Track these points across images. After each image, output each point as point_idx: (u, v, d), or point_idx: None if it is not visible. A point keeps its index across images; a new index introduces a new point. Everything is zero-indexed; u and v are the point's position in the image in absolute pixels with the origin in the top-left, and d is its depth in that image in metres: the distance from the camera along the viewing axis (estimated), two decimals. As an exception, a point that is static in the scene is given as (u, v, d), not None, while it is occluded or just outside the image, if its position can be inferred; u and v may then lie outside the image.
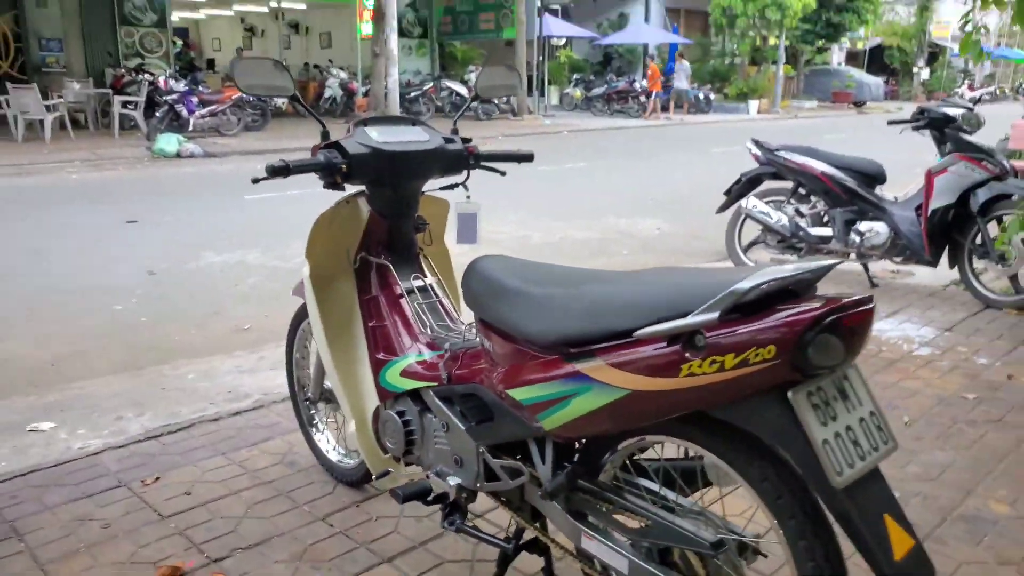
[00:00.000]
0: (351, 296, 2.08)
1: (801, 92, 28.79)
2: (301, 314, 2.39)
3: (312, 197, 2.43)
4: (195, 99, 13.99)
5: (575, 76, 24.43)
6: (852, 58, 35.74)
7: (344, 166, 1.85)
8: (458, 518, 1.83)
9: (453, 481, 1.78)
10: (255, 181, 1.86)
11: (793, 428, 1.20)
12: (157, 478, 2.56)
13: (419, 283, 2.03)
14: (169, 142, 11.78)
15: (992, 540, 2.17)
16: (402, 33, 19.34)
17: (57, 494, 2.47)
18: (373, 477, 2.07)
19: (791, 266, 1.24)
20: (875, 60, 35.41)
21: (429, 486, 1.83)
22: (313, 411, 2.54)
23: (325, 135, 1.95)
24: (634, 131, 18.29)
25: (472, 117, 18.45)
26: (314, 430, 2.54)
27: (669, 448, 1.49)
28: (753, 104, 23.67)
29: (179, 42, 20.96)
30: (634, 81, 22.78)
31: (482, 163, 2.12)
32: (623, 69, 26.13)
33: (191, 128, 13.42)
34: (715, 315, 1.20)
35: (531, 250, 6.30)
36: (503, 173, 2.21)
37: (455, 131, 2.10)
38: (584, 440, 1.57)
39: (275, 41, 25.65)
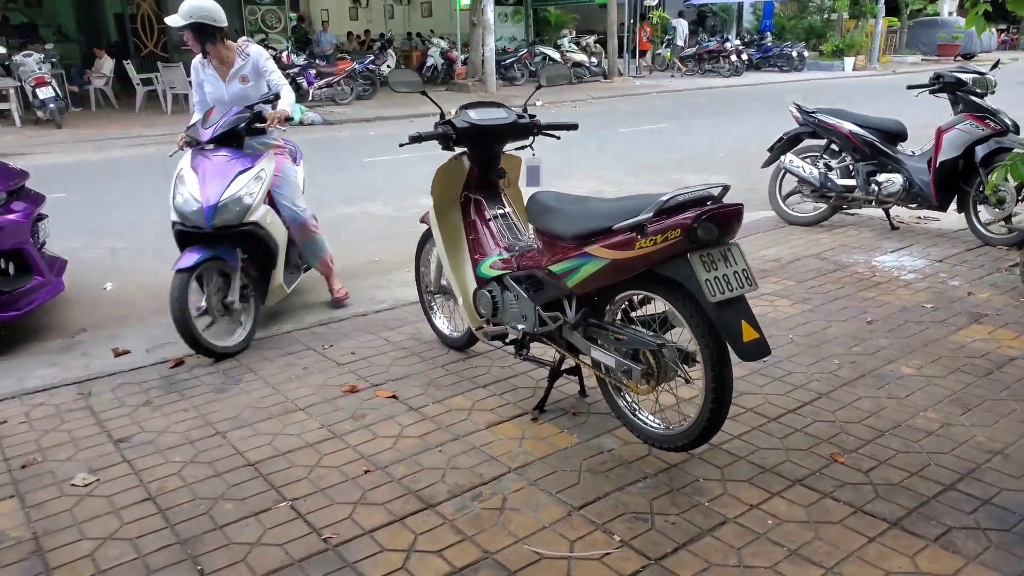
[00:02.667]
0: (458, 220, 3.27)
1: (904, 46, 28.14)
2: (425, 236, 3.60)
3: (420, 160, 3.63)
4: (313, 71, 15.55)
5: (666, 37, 24.88)
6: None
7: (454, 136, 3.03)
8: (525, 351, 3.04)
9: (520, 326, 2.96)
10: (402, 145, 3.04)
11: (691, 272, 2.30)
12: (331, 345, 3.86)
13: (500, 211, 3.19)
14: (293, 111, 13.30)
15: (890, 388, 3.17)
16: (498, 1, 20.32)
17: (269, 354, 3.80)
18: (473, 329, 3.28)
19: (697, 188, 2.33)
20: (995, 7, 33.74)
21: (506, 331, 3.02)
22: (432, 301, 3.78)
23: (442, 115, 3.12)
24: (721, 91, 18.79)
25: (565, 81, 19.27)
26: (433, 314, 3.78)
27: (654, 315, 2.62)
28: (849, 61, 23.55)
29: (295, 16, 22.66)
30: (726, 40, 23.08)
31: (543, 131, 3.25)
32: (716, 28, 26.31)
33: (310, 98, 14.99)
34: (650, 214, 2.31)
35: (605, 201, 7.38)
36: (558, 137, 3.33)
37: (525, 109, 3.23)
38: (593, 295, 2.70)
39: (379, 12, 27.12)
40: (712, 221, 2.26)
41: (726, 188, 2.36)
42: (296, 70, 15.18)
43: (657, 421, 2.70)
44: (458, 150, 3.18)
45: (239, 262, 3.86)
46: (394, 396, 3.24)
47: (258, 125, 4.04)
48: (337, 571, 2.15)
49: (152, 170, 7.90)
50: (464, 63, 19.73)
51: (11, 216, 4.19)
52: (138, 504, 2.52)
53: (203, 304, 3.84)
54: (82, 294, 5.11)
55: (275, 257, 4.02)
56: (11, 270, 4.18)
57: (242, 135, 4.01)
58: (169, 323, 3.67)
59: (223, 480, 2.64)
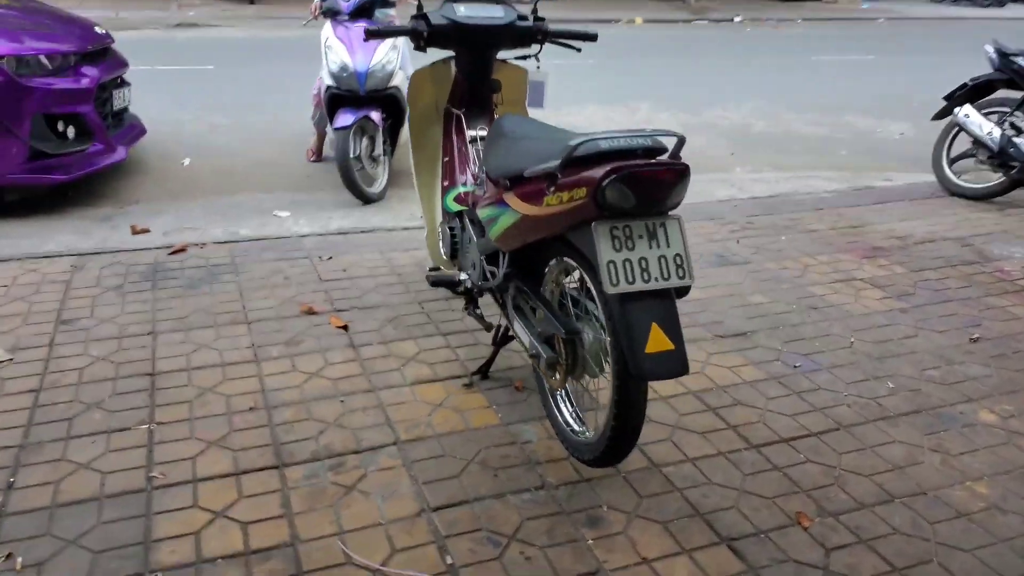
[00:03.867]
0: (437, 137, 2.77)
1: None
2: None
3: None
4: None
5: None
6: None
7: (426, 34, 2.50)
8: (472, 306, 2.55)
9: (464, 276, 2.47)
10: (367, 38, 2.55)
11: (593, 249, 1.70)
12: (330, 257, 3.56)
13: (483, 132, 2.66)
14: None
15: (944, 437, 2.38)
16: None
17: (268, 255, 3.56)
18: (427, 269, 2.82)
19: (637, 133, 1.70)
20: None
21: (454, 279, 2.54)
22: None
23: (419, 6, 2.59)
24: (972, 24, 16.08)
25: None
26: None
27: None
28: None
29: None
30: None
31: (552, 40, 2.63)
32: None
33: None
34: (557, 163, 1.72)
35: (746, 138, 6.45)
36: (578, 50, 2.71)
37: (534, 11, 2.63)
38: (525, 253, 2.15)
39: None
40: (629, 183, 1.64)
41: (681, 140, 1.71)
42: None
43: (576, 422, 2.16)
44: (444, 54, 2.66)
45: (382, 122, 4.37)
46: (344, 327, 2.89)
47: None
48: (129, 519, 1.87)
49: (305, 52, 7.87)
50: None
51: (74, 80, 4.19)
52: (20, 394, 2.38)
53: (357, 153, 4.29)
54: (160, 165, 5.17)
55: (404, 118, 4.33)
56: (70, 133, 4.21)
57: (375, 7, 4.51)
58: (207, 206, 3.93)
59: (113, 386, 2.45)
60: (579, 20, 12.70)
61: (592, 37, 2.65)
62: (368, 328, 2.89)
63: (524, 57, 2.70)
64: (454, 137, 2.70)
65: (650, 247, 1.70)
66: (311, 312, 3.00)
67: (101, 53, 4.56)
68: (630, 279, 1.67)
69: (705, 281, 3.41)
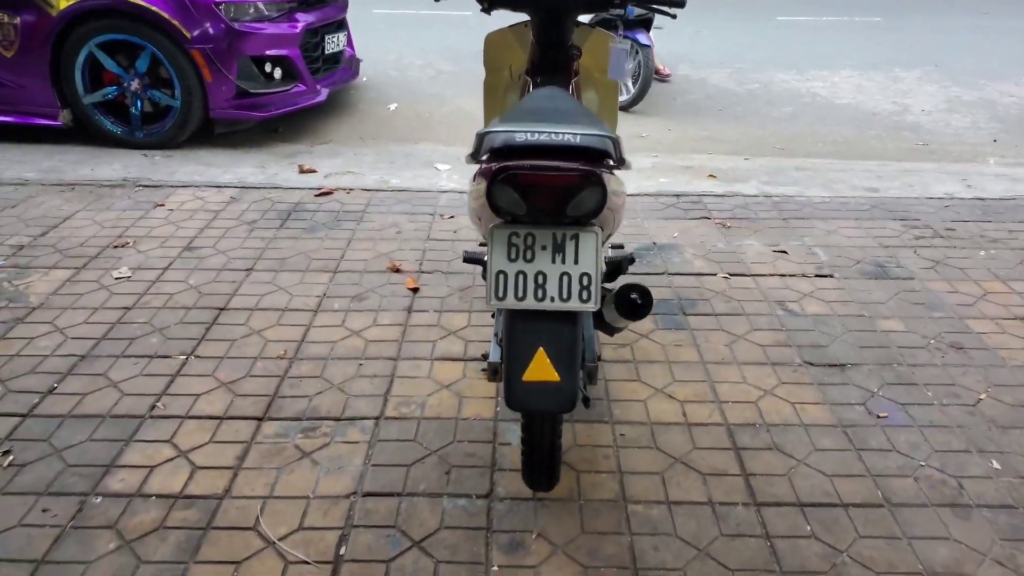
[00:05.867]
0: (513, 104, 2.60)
1: None
2: None
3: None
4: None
5: None
6: None
7: (489, -8, 2.32)
8: None
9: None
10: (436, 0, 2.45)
11: (489, 253, 1.49)
12: (452, 216, 3.56)
13: (553, 104, 2.44)
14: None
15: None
16: None
17: (399, 207, 3.66)
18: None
19: (546, 131, 1.43)
20: None
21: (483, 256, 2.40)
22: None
23: None
24: None
25: None
26: None
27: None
28: None
29: None
30: None
31: (635, 3, 2.32)
32: None
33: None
34: (469, 156, 1.53)
35: (887, 119, 5.31)
36: (672, 16, 2.37)
37: (613, -30, 2.33)
38: None
39: None
40: (517, 186, 1.40)
41: (614, 141, 1.43)
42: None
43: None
44: (518, 16, 2.46)
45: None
46: (415, 289, 2.89)
47: None
48: (112, 441, 2.06)
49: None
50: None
51: (284, 26, 4.58)
52: (114, 310, 2.72)
53: None
54: (366, 108, 5.51)
55: None
56: (277, 74, 4.63)
57: None
58: (382, 153, 4.08)
59: (184, 314, 2.69)
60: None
61: (679, 2, 2.30)
62: (436, 294, 2.86)
63: (607, 24, 2.43)
64: (524, 107, 2.51)
65: (553, 261, 1.45)
66: (396, 270, 3.04)
67: (319, 0, 4.92)
68: (520, 294, 1.45)
69: (838, 294, 2.89)
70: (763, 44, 8.17)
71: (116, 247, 3.20)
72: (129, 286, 2.88)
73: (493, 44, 2.53)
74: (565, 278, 1.45)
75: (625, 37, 3.90)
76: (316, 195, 3.80)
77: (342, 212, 3.60)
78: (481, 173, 1.47)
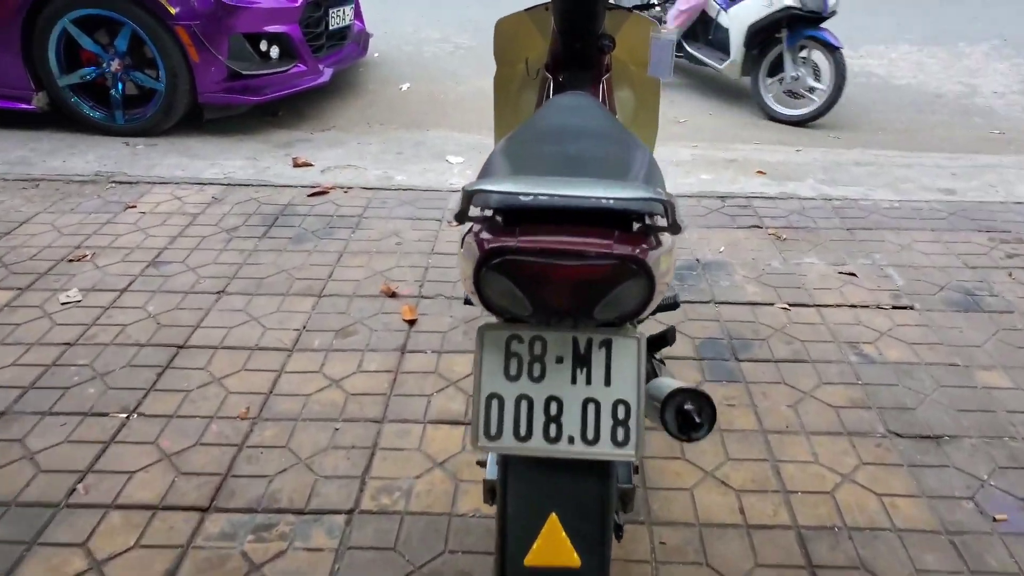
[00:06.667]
0: (530, 104, 2.11)
1: None
2: None
3: None
4: None
5: None
6: None
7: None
8: None
9: None
10: None
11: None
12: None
13: (580, 106, 1.93)
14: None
15: None
16: None
17: (401, 210, 3.19)
18: None
19: (567, 190, 0.95)
20: None
21: None
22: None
23: None
24: None
25: None
26: None
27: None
28: None
29: None
30: None
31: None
32: None
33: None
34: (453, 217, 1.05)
35: (953, 102, 4.68)
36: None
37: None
38: None
39: None
40: (516, 276, 0.92)
41: (665, 204, 0.93)
42: None
43: None
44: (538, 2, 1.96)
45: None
46: (412, 321, 2.43)
47: None
48: (13, 543, 1.64)
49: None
50: None
51: (276, 0, 4.08)
52: (52, 347, 2.28)
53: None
54: (376, 89, 5.02)
55: None
56: (274, 53, 4.15)
57: None
58: (389, 141, 3.82)
59: (135, 354, 2.25)
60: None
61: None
62: (436, 328, 2.39)
63: (645, 6, 1.91)
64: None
65: (573, 381, 0.97)
66: (391, 295, 2.57)
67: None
68: (522, 432, 0.97)
69: (921, 333, 2.38)
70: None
71: (72, 260, 2.77)
72: (76, 314, 2.45)
73: (505, 32, 2.03)
74: (591, 408, 0.97)
75: (810, 38, 3.59)
76: (309, 195, 3.34)
77: (336, 217, 3.13)
78: (469, 241, 0.99)
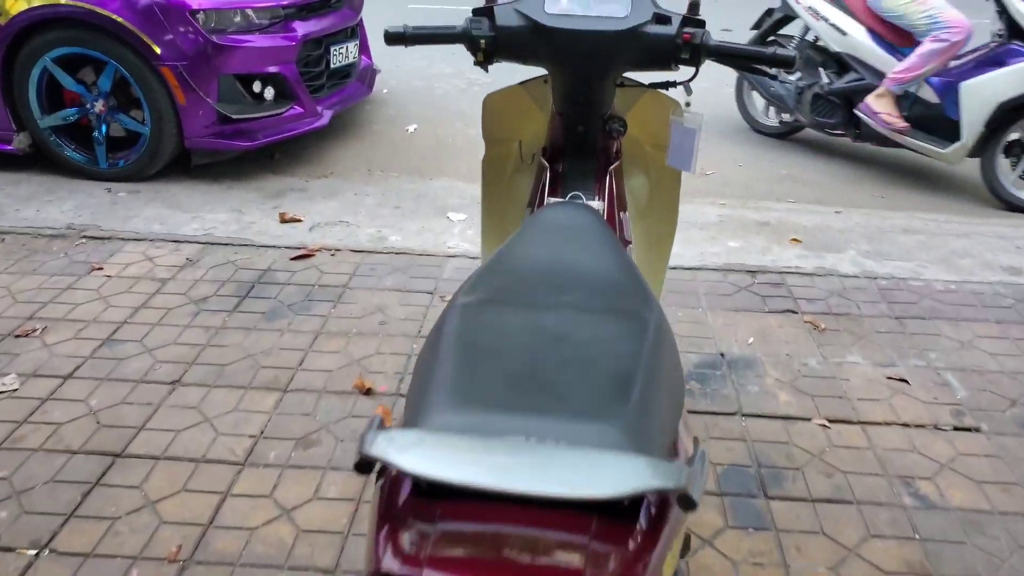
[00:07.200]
0: (522, 192, 1.77)
1: None
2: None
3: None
4: None
5: None
6: None
7: (483, 41, 1.48)
8: None
9: None
10: (389, 42, 1.59)
11: None
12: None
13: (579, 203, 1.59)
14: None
15: None
16: None
17: (390, 279, 2.87)
18: None
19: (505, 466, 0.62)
20: None
21: None
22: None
23: None
24: None
25: None
26: None
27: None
28: None
29: None
30: None
31: (721, 60, 1.46)
32: None
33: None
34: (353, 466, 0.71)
35: None
36: (771, 77, 1.50)
37: (694, 5, 1.47)
38: None
39: None
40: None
41: (677, 478, 0.59)
42: None
43: None
44: (538, 72, 1.63)
45: None
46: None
47: None
48: None
49: None
50: None
51: (276, 37, 3.81)
52: (-26, 451, 1.98)
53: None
54: (380, 130, 4.73)
55: None
56: (268, 94, 3.86)
57: None
58: (388, 191, 3.37)
59: (63, 464, 1.94)
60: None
61: (788, 61, 1.42)
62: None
63: (671, 85, 1.57)
64: (538, 206, 1.68)
65: None
66: (366, 392, 2.24)
67: (321, 5, 4.13)
68: None
69: (991, 467, 2.00)
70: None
71: (19, 336, 2.47)
72: (7, 407, 2.14)
73: (496, 109, 1.71)
74: None
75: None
76: (292, 258, 3.03)
77: (317, 287, 2.82)
78: (375, 504, 0.66)
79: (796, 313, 2.74)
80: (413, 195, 3.76)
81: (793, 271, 3.04)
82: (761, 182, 4.18)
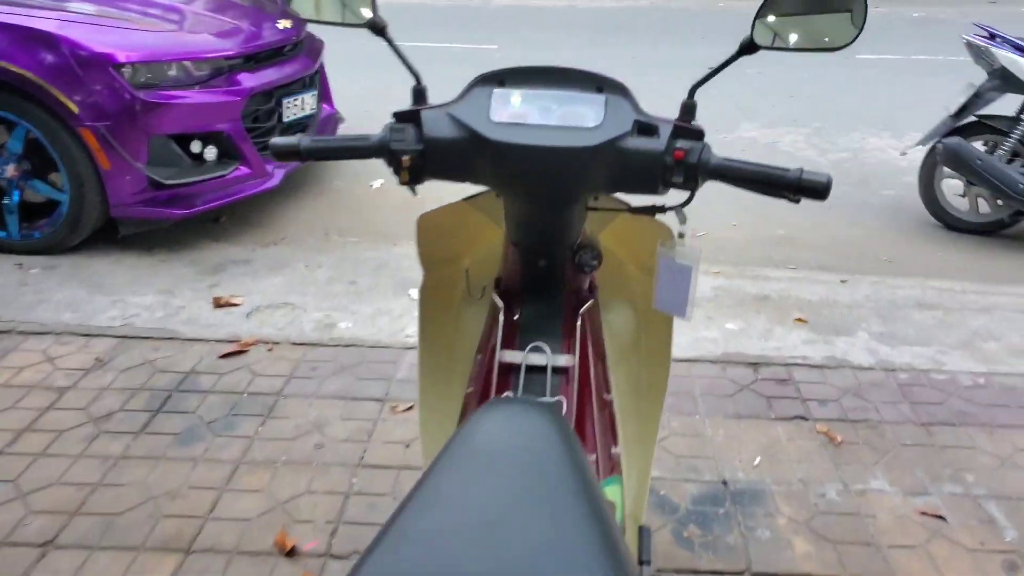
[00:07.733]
0: (470, 333, 1.37)
1: None
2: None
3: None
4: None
5: None
6: None
7: (407, 157, 1.08)
8: None
9: None
10: (277, 156, 1.19)
11: None
12: (410, 407, 2.33)
13: (539, 360, 1.18)
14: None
15: None
16: None
17: (335, 382, 2.45)
18: None
19: None
20: None
21: None
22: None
23: (419, 93, 1.18)
24: None
25: None
26: None
27: None
28: None
29: None
30: None
31: (716, 179, 1.06)
32: None
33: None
34: None
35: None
36: (796, 201, 1.10)
37: (686, 109, 1.08)
38: None
39: None
40: None
41: None
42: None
43: None
44: (480, 189, 1.23)
45: None
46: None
47: None
48: None
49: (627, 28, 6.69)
50: None
51: (217, 92, 3.40)
52: None
53: None
54: (342, 187, 4.34)
55: None
56: (209, 155, 3.45)
57: None
58: (344, 262, 3.13)
59: None
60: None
61: (820, 189, 1.02)
62: (340, 627, 1.62)
63: (659, 210, 1.17)
64: (489, 352, 1.27)
65: None
66: (288, 552, 1.81)
67: (272, 54, 3.73)
68: None
69: None
70: (845, 92, 6.82)
71: None
72: None
73: (435, 229, 1.30)
74: None
75: None
76: (222, 355, 2.60)
77: (247, 395, 2.39)
78: None
79: (807, 420, 2.34)
80: (373, 266, 3.35)
81: (800, 363, 2.65)
82: (756, 245, 3.81)
